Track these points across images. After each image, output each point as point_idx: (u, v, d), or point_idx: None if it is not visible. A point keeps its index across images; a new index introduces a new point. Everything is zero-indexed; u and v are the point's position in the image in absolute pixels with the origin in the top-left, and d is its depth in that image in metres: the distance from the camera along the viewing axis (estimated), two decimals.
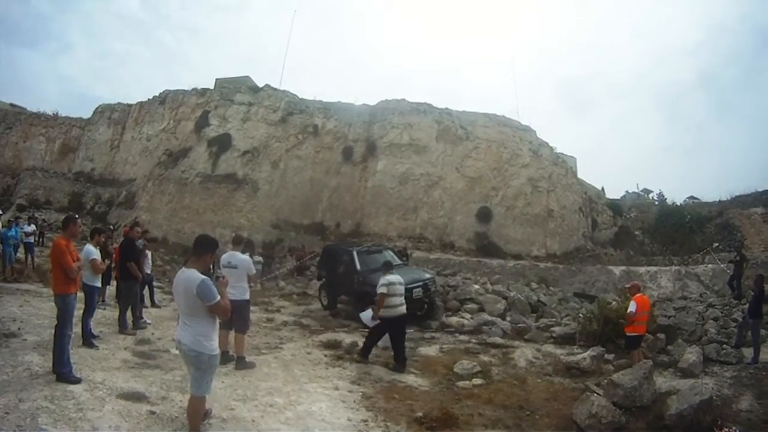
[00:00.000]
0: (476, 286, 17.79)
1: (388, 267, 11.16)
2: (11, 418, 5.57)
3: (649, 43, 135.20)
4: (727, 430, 6.54)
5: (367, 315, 10.56)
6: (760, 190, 34.83)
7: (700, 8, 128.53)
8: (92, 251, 9.67)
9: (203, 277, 5.34)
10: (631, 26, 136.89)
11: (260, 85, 34.71)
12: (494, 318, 14.84)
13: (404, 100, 31.59)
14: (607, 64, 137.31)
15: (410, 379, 9.36)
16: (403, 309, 10.40)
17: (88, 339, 9.44)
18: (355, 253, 15.75)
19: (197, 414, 5.69)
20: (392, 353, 10.53)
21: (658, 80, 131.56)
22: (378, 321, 10.24)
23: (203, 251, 5.63)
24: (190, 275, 5.36)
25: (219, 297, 5.35)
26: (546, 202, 27.93)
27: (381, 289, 10.39)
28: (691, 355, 10.49)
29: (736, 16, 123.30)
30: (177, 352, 8.93)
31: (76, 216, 8.65)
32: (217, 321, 5.67)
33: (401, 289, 10.49)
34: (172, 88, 39.49)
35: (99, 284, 10.04)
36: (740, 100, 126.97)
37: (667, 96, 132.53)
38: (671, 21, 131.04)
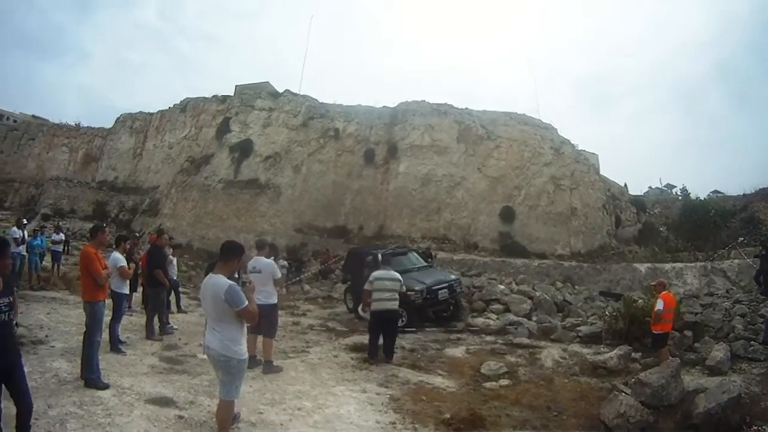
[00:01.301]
0: (501, 287, 17.74)
1: (380, 263, 11.40)
2: (40, 424, 5.62)
3: (664, 38, 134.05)
4: (756, 428, 6.49)
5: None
6: None
7: (713, 1, 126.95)
8: (120, 258, 9.86)
9: (231, 282, 5.39)
10: (646, 21, 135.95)
11: (280, 90, 34.89)
12: (520, 318, 14.81)
13: (424, 101, 31.64)
14: (624, 60, 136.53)
15: (437, 380, 9.35)
16: (391, 304, 10.50)
17: (116, 345, 9.59)
18: (379, 255, 15.84)
19: (226, 418, 5.73)
20: (418, 354, 10.67)
21: (675, 74, 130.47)
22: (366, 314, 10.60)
23: (230, 257, 5.68)
24: (217, 281, 5.41)
25: (247, 302, 5.38)
26: (569, 200, 27.82)
27: (366, 285, 10.70)
28: (719, 352, 10.38)
29: (749, 7, 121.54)
30: (204, 356, 9.00)
31: (104, 225, 8.85)
32: (245, 326, 5.71)
33: (390, 284, 10.56)
34: (191, 96, 39.89)
35: (127, 291, 10.26)
36: (758, 91, 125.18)
37: (685, 90, 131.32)
38: (685, 14, 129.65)
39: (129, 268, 10.12)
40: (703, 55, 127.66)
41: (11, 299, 4.86)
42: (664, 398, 7.58)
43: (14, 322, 5.12)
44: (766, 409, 7.67)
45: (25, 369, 7.11)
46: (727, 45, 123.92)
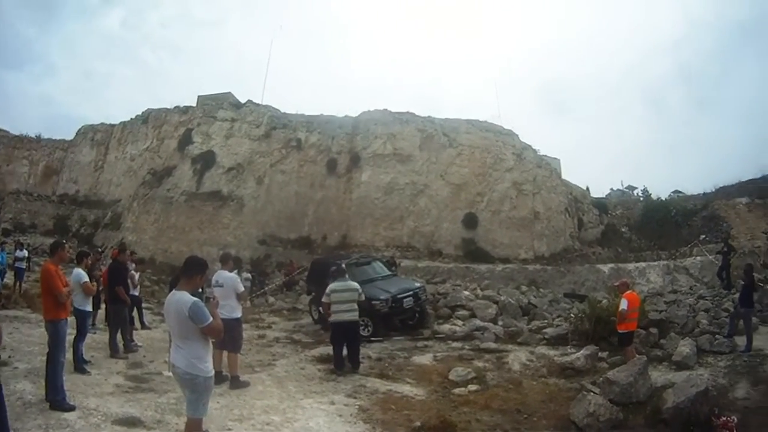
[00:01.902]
0: (466, 293, 17.80)
1: (335, 274, 11.29)
2: None
3: (627, 42, 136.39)
4: (724, 419, 6.57)
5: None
6: (744, 180, 35.28)
7: (679, 5, 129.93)
8: (82, 274, 9.65)
9: (194, 299, 5.28)
10: (609, 26, 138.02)
11: (242, 100, 34.43)
12: (486, 323, 14.83)
13: (386, 110, 31.55)
14: (587, 65, 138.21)
15: (406, 389, 9.35)
16: (349, 315, 10.55)
17: (80, 364, 9.36)
18: (343, 265, 15.73)
19: None
20: (385, 363, 10.66)
21: (638, 79, 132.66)
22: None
23: (193, 273, 5.58)
24: (180, 297, 5.29)
25: (211, 318, 5.28)
26: (531, 205, 27.99)
27: (324, 298, 10.79)
28: (685, 347, 10.55)
29: (714, 11, 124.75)
30: (170, 374, 8.84)
31: (64, 241, 8.63)
32: (210, 342, 5.62)
33: (347, 295, 10.61)
34: (154, 107, 39.38)
35: (90, 308, 10.02)
36: (721, 94, 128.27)
37: (647, 94, 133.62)
38: (650, 19, 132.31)
39: (93, 285, 9.92)
40: (666, 60, 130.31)
41: None
42: (632, 395, 7.66)
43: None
44: (734, 400, 7.82)
45: None
46: (690, 49, 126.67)
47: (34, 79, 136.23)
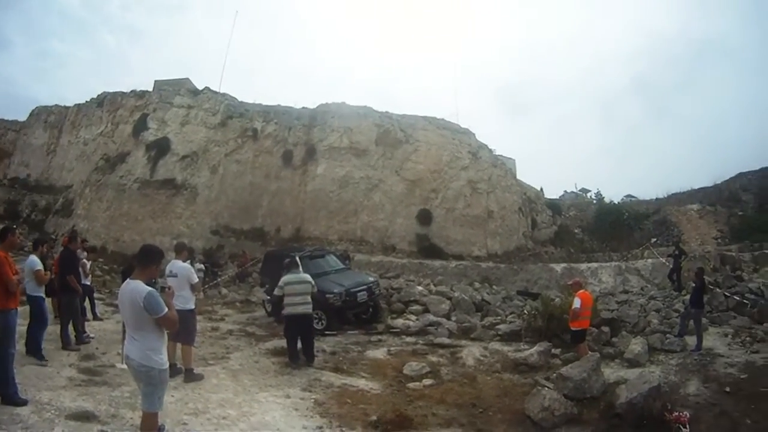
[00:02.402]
0: (420, 288, 17.91)
1: (288, 267, 11.25)
2: None
3: (586, 50, 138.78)
4: (677, 414, 6.71)
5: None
6: (696, 187, 36.28)
7: (640, 19, 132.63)
8: (36, 262, 9.38)
9: (149, 289, 5.18)
10: (570, 34, 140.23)
11: (200, 87, 33.95)
12: (439, 318, 14.96)
13: (344, 103, 31.52)
14: (546, 70, 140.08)
15: (361, 383, 9.35)
16: (302, 308, 10.53)
17: (39, 353, 9.16)
18: (297, 258, 15.61)
19: (151, 431, 5.48)
20: (340, 357, 10.65)
21: (595, 85, 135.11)
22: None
23: (148, 262, 5.46)
24: (135, 287, 5.18)
25: (167, 309, 5.18)
26: (486, 203, 28.23)
27: (276, 291, 10.78)
28: (636, 345, 10.83)
29: (674, 27, 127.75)
30: (123, 366, 8.66)
31: (15, 226, 8.33)
32: (166, 334, 5.52)
33: (300, 288, 10.58)
34: (110, 90, 38.40)
35: (43, 294, 9.63)
36: (674, 104, 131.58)
37: (604, 100, 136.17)
38: (609, 29, 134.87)
39: (47, 273, 9.63)
40: (622, 68, 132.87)
41: None
42: (586, 391, 7.78)
43: None
44: (685, 396, 8.00)
45: None
46: (646, 61, 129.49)
47: None
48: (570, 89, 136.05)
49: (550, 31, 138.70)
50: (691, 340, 11.54)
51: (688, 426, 6.55)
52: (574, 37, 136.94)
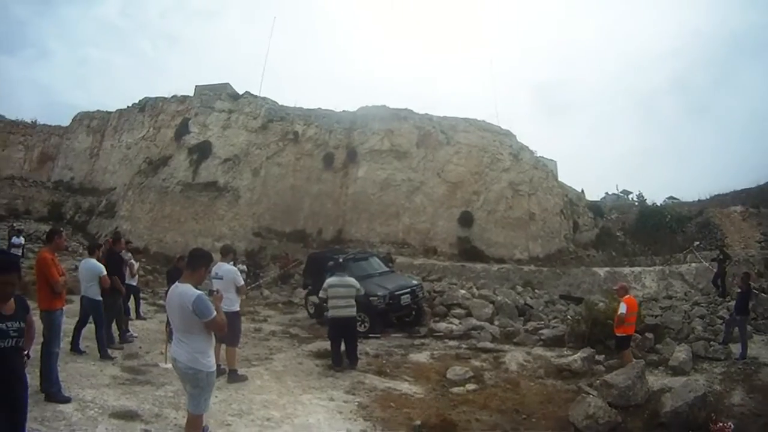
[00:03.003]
0: (462, 291, 17.74)
1: (333, 269, 11.36)
2: None
3: (623, 48, 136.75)
4: (721, 424, 6.61)
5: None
6: (738, 189, 35.51)
7: (677, 15, 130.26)
8: (100, 267, 9.69)
9: (199, 292, 5.19)
10: (604, 32, 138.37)
11: (240, 92, 34.49)
12: (482, 322, 14.84)
13: (384, 106, 31.60)
14: (583, 69, 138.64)
15: (404, 386, 9.33)
16: (346, 311, 10.47)
17: (105, 351, 9.55)
18: (340, 260, 15.70)
19: None
20: (383, 360, 10.71)
21: (632, 84, 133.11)
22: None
23: (197, 265, 5.48)
24: (184, 291, 5.21)
25: (215, 312, 5.21)
26: (527, 206, 28.04)
27: (321, 293, 10.84)
28: (681, 353, 10.65)
29: (712, 22, 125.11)
30: (167, 366, 8.84)
31: (61, 229, 8.54)
32: (213, 336, 5.54)
33: (344, 291, 10.53)
34: (151, 96, 39.18)
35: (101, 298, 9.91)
36: (714, 102, 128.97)
37: (643, 99, 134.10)
38: (644, 27, 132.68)
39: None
40: (661, 66, 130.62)
41: (22, 324, 4.28)
42: (630, 398, 7.71)
43: (26, 352, 4.52)
44: (730, 406, 7.87)
45: None
46: (685, 57, 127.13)
47: (27, 64, 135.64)
48: (607, 88, 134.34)
49: (584, 29, 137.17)
50: (735, 348, 11.36)
51: None
52: (609, 36, 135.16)
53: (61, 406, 6.70)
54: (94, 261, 9.83)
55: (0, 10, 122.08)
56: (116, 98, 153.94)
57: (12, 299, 4.19)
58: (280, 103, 33.73)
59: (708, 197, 36.55)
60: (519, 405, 8.25)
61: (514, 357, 11.34)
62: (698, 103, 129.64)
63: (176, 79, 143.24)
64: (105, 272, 9.65)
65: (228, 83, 35.47)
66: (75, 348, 9.59)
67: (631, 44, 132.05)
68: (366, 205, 28.72)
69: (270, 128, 31.75)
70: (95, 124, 41.92)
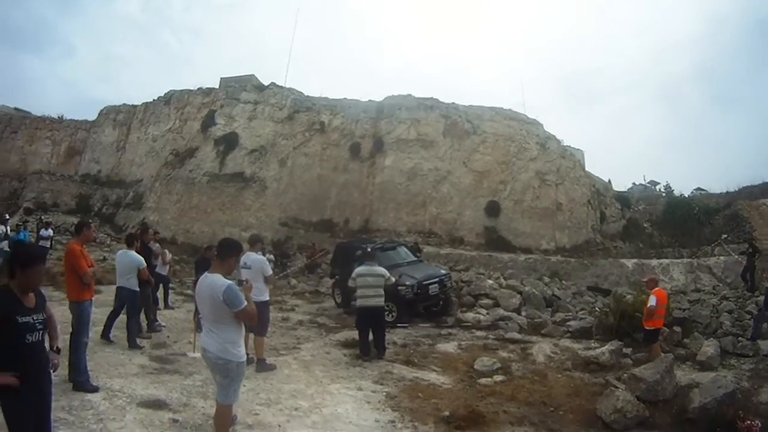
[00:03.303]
0: (490, 281, 17.75)
1: (362, 258, 11.38)
2: None
3: (649, 37, 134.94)
4: (749, 422, 6.55)
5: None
6: None
7: (700, 1, 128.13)
8: (140, 260, 9.95)
9: (229, 282, 5.21)
10: (631, 20, 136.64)
11: (265, 83, 34.71)
12: (510, 313, 14.88)
13: (410, 95, 31.51)
14: (608, 58, 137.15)
15: (432, 376, 9.37)
16: (375, 301, 10.48)
17: (134, 341, 9.73)
18: (368, 249, 15.70)
19: (225, 423, 5.58)
20: (411, 350, 10.77)
21: (658, 74, 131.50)
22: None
23: (227, 255, 5.50)
24: (214, 281, 5.23)
25: (245, 302, 5.23)
26: (554, 196, 27.84)
27: (349, 282, 10.82)
28: (709, 348, 10.57)
29: (736, 8, 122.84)
30: (194, 355, 8.97)
31: (90, 221, 8.67)
32: (243, 326, 5.57)
33: (373, 280, 10.52)
34: (176, 89, 39.63)
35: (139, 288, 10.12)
36: (740, 91, 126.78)
37: (669, 88, 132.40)
38: (671, 14, 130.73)
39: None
40: (687, 55, 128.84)
41: (44, 316, 4.29)
42: (659, 393, 7.67)
43: (55, 348, 4.57)
44: (758, 404, 7.77)
45: None
46: (711, 45, 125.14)
47: (53, 62, 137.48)
48: (633, 78, 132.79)
49: (609, 18, 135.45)
50: (764, 345, 11.20)
51: None
52: (635, 24, 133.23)
53: (89, 396, 6.83)
54: (133, 253, 10.02)
55: (25, 10, 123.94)
56: (142, 92, 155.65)
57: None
58: (305, 94, 33.81)
59: (736, 189, 35.84)
60: (546, 397, 8.23)
61: (542, 348, 11.33)
62: (726, 92, 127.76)
63: (201, 72, 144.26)
64: (145, 264, 9.88)
65: (253, 75, 35.66)
66: (105, 336, 9.82)
67: (657, 32, 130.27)
68: (392, 195, 28.74)
69: (296, 119, 31.88)
70: (121, 118, 42.54)
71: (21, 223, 20.19)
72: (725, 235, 27.58)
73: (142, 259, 9.99)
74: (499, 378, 9.32)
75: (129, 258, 9.93)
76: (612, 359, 10.19)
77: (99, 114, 44.27)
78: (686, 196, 37.22)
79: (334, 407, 7.42)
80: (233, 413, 5.95)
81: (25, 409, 4.01)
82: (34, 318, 4.11)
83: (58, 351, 4.66)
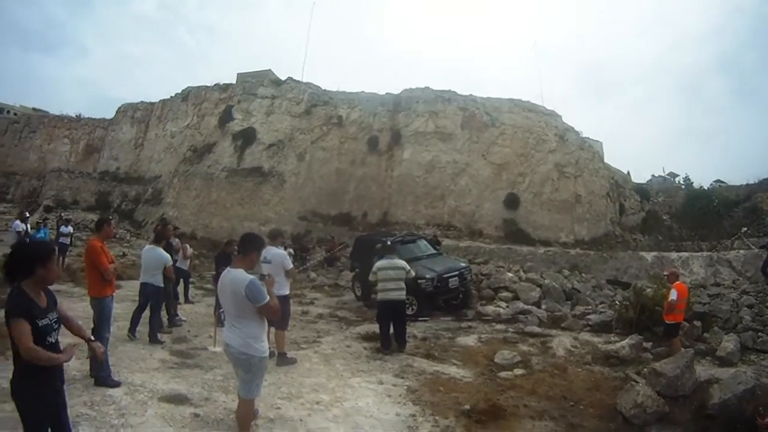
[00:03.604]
0: (510, 274, 17.73)
1: (382, 252, 11.38)
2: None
3: (667, 28, 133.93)
4: None
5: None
6: None
7: None
8: (168, 258, 10.13)
9: (251, 277, 5.24)
10: (650, 11, 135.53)
11: (282, 78, 34.77)
12: (529, 306, 14.89)
13: (428, 88, 31.43)
14: (627, 49, 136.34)
15: (452, 370, 9.40)
16: (396, 294, 10.48)
17: (155, 337, 9.92)
18: (389, 243, 15.72)
19: (247, 417, 5.64)
20: (431, 344, 10.84)
21: (678, 64, 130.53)
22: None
23: (249, 250, 5.52)
24: (237, 275, 5.27)
25: (268, 297, 5.25)
26: (573, 188, 27.76)
27: (370, 276, 10.82)
28: (729, 343, 10.50)
29: (755, 0, 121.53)
30: (215, 350, 9.10)
31: (111, 218, 8.78)
32: (266, 321, 5.60)
33: (393, 273, 10.53)
34: (193, 85, 39.92)
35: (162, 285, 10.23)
36: (760, 83, 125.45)
37: (688, 79, 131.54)
38: (690, 5, 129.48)
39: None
40: (706, 46, 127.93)
41: (57, 315, 4.31)
42: (679, 388, 7.63)
43: (92, 339, 4.66)
44: None
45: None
46: (730, 36, 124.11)
47: (67, 63, 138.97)
48: (652, 69, 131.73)
49: (628, 8, 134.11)
50: None
51: None
52: (653, 16, 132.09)
53: (111, 391, 6.93)
54: (161, 250, 10.16)
55: (37, 11, 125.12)
56: (159, 89, 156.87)
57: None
58: (322, 88, 33.88)
59: (756, 181, 35.47)
60: (566, 391, 8.25)
61: (562, 342, 11.33)
62: (746, 84, 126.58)
63: (217, 68, 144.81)
64: (171, 262, 10.01)
65: (270, 70, 35.68)
66: (132, 333, 9.96)
67: (677, 22, 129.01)
68: (411, 188, 28.75)
69: (313, 113, 31.95)
70: (139, 115, 43.09)
71: (41, 221, 20.40)
72: (745, 228, 27.38)
73: (168, 257, 10.14)
74: (519, 372, 9.33)
75: (156, 254, 10.06)
76: (632, 353, 10.17)
77: (117, 112, 44.79)
78: (705, 188, 36.99)
79: (355, 401, 7.47)
80: (255, 407, 6.00)
81: (44, 411, 4.07)
82: (50, 318, 4.15)
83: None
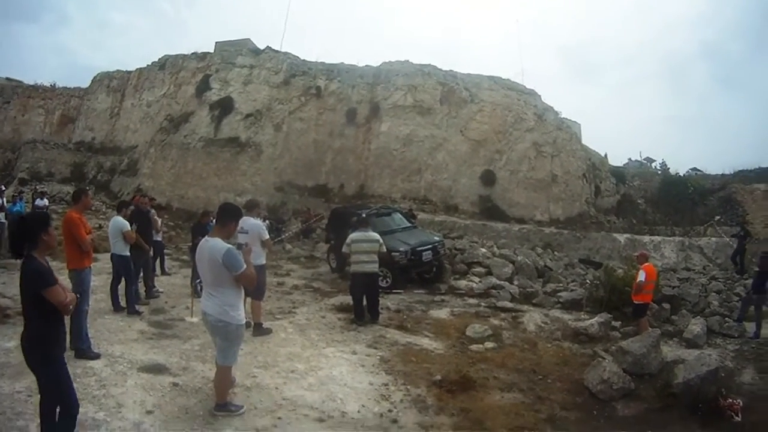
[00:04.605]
0: (483, 250, 17.85)
1: (357, 225, 11.38)
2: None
3: (653, 12, 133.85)
4: (730, 401, 6.67)
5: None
6: (764, 166, 35.07)
7: None
8: (124, 222, 9.94)
9: (228, 246, 5.33)
10: None
11: (261, 47, 34.34)
12: (502, 282, 15.01)
13: (408, 61, 31.20)
14: (610, 30, 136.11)
15: (425, 342, 9.54)
16: (369, 267, 10.57)
17: (133, 307, 9.89)
18: (364, 215, 15.76)
19: (224, 384, 5.76)
20: (404, 316, 10.96)
21: (662, 49, 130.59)
22: None
23: (228, 220, 5.62)
24: (214, 244, 5.34)
25: (245, 266, 5.35)
26: (550, 167, 27.88)
27: (344, 248, 10.85)
28: (696, 326, 10.74)
29: None
30: (192, 320, 9.16)
31: (87, 189, 8.72)
32: (243, 290, 5.71)
33: (367, 246, 10.60)
34: (170, 54, 39.20)
35: (128, 253, 10.11)
36: (743, 73, 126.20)
37: (671, 66, 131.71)
38: None
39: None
40: (690, 33, 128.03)
41: None
42: (644, 367, 7.80)
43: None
44: (740, 384, 7.91)
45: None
46: (715, 24, 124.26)
47: (48, 30, 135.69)
48: (636, 52, 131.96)
49: None
50: (750, 327, 11.44)
51: (740, 414, 6.52)
52: None
53: (91, 362, 7.01)
54: (119, 217, 10.07)
55: None
56: (137, 58, 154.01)
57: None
58: (302, 58, 33.51)
59: (732, 172, 35.99)
60: (536, 365, 8.42)
61: (533, 318, 11.48)
62: (729, 74, 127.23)
63: (196, 37, 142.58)
64: (128, 227, 9.90)
65: (249, 39, 35.20)
66: (116, 307, 9.94)
67: (663, 7, 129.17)
68: (388, 161, 28.67)
69: (292, 83, 31.65)
70: (115, 84, 41.99)
71: (17, 194, 20.08)
72: (718, 217, 27.80)
73: (125, 223, 9.98)
74: (490, 345, 9.48)
75: (113, 223, 10.07)
76: (601, 331, 10.35)
77: (92, 81, 43.64)
78: (682, 175, 37.34)
79: (329, 370, 7.61)
80: (232, 376, 6.10)
81: (66, 370, 4.36)
82: None
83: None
